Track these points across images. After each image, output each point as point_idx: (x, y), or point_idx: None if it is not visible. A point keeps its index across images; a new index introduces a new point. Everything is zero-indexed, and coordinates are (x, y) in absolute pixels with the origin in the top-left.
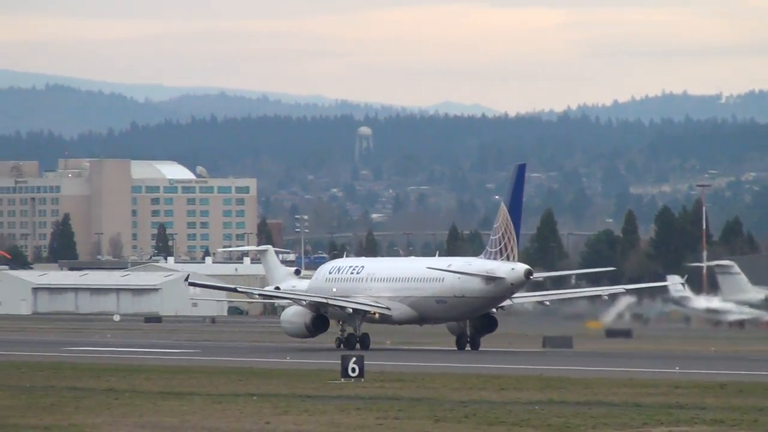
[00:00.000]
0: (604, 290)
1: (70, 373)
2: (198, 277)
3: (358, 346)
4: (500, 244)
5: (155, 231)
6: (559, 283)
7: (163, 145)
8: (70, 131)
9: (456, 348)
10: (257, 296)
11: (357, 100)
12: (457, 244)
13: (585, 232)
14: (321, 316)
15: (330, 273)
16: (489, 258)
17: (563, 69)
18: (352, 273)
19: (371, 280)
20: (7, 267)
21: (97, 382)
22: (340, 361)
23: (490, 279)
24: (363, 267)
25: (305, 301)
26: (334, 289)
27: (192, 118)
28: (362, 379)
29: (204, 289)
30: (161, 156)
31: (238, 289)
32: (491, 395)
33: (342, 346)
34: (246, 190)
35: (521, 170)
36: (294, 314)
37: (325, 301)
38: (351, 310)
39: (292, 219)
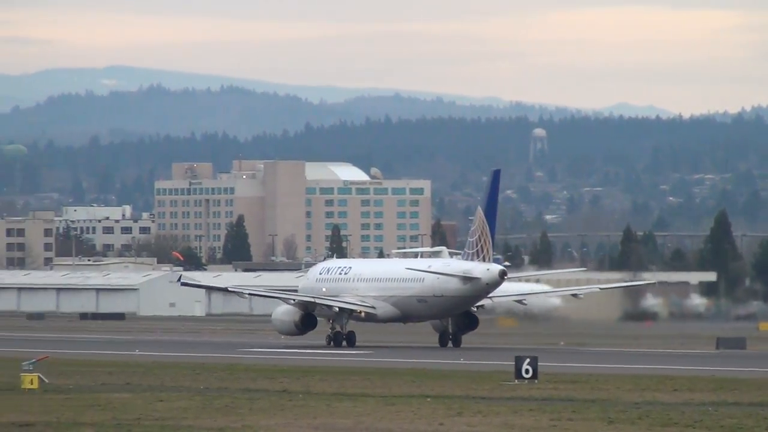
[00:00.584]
0: (581, 289)
1: (244, 375)
2: None
3: (344, 343)
4: (477, 246)
5: (329, 232)
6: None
7: (337, 146)
8: (244, 133)
9: (438, 345)
10: (247, 296)
11: (531, 102)
12: (631, 246)
13: (759, 233)
14: (309, 314)
15: (320, 274)
16: (466, 259)
17: (738, 71)
18: (340, 274)
19: (358, 280)
20: (181, 268)
21: (271, 384)
22: (513, 363)
23: (467, 279)
24: (350, 268)
25: (294, 300)
26: (324, 289)
27: (366, 120)
28: (536, 381)
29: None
30: (335, 157)
31: (229, 289)
32: (664, 396)
33: (332, 343)
34: (420, 191)
35: (496, 176)
36: (284, 313)
37: (312, 300)
38: (337, 309)
39: (466, 220)
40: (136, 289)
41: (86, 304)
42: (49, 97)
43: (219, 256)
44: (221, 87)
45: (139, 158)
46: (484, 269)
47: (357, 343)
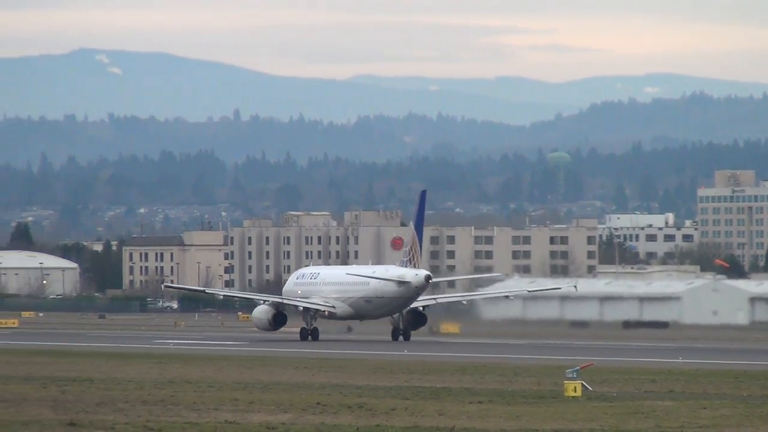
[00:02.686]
0: (512, 292)
1: None
2: None
3: (309, 338)
4: (409, 255)
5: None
6: None
7: None
8: None
9: (391, 338)
10: (222, 297)
11: None
12: None
13: None
14: (280, 313)
15: (297, 279)
16: (402, 266)
17: None
18: (311, 279)
19: (323, 284)
20: (724, 276)
21: None
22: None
23: (401, 283)
24: (319, 274)
25: (265, 301)
26: (299, 291)
27: None
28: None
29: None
30: None
31: (206, 291)
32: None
33: (310, 337)
34: None
35: (423, 196)
36: (260, 312)
37: (281, 301)
38: (302, 309)
39: None
40: (678, 298)
41: (629, 312)
42: (591, 104)
43: (762, 264)
44: (763, 95)
45: (681, 165)
46: (413, 274)
47: (320, 338)
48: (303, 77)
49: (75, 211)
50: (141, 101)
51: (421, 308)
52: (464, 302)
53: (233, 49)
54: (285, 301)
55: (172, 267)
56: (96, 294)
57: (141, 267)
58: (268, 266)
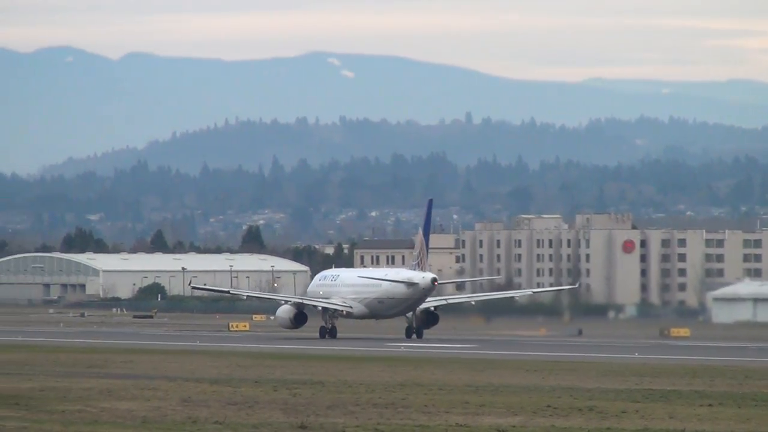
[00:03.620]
0: (518, 293)
1: None
2: None
3: (327, 336)
4: (417, 259)
5: None
6: None
7: None
8: None
9: (405, 336)
10: (246, 297)
11: None
12: None
13: None
14: (301, 312)
15: (320, 280)
16: (411, 269)
17: None
18: (331, 280)
19: (342, 285)
20: None
21: None
22: None
23: (410, 284)
24: (338, 276)
25: (286, 301)
26: (321, 292)
27: None
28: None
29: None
30: None
31: (231, 292)
32: None
33: (327, 335)
34: None
35: (430, 205)
36: (283, 311)
37: (301, 301)
38: (321, 308)
39: None
40: None
41: None
42: None
43: None
44: None
45: None
46: (420, 276)
47: (338, 336)
48: (534, 80)
49: (306, 214)
50: (372, 104)
51: (432, 308)
52: (473, 302)
53: (465, 52)
54: (305, 302)
55: None
56: None
57: None
58: (498, 269)
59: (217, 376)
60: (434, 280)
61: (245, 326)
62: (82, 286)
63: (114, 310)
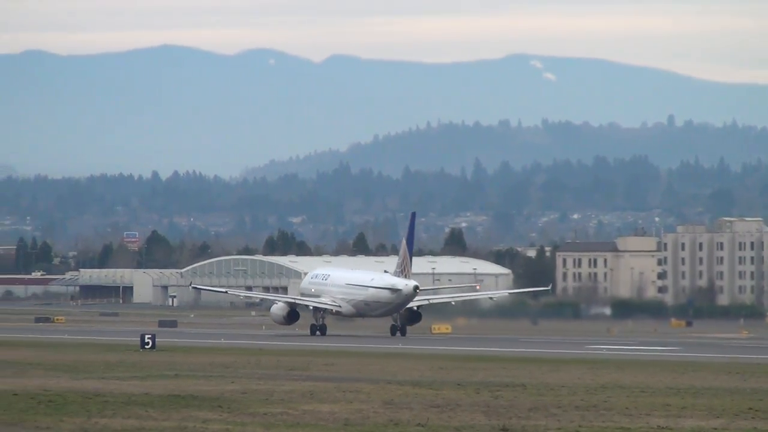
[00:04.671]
0: (495, 293)
1: None
2: None
3: (318, 333)
4: (401, 267)
5: None
6: None
7: None
8: None
9: (390, 334)
10: (243, 297)
11: None
12: None
13: None
14: (294, 310)
15: (311, 279)
16: (395, 275)
17: None
18: (323, 279)
19: (332, 285)
20: None
21: None
22: None
23: (393, 290)
24: (329, 275)
25: (280, 300)
26: (313, 290)
27: None
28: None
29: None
30: None
31: (228, 292)
32: None
33: (318, 332)
34: None
35: (413, 217)
36: (276, 309)
37: (293, 300)
38: (311, 307)
39: None
40: None
41: None
42: None
43: None
44: None
45: None
46: (404, 283)
47: (328, 333)
48: (735, 82)
49: (508, 216)
50: (575, 107)
51: (415, 307)
52: (453, 302)
53: (666, 55)
54: (298, 301)
55: (605, 273)
56: (529, 300)
57: (574, 273)
58: (701, 272)
59: (419, 379)
60: (416, 287)
61: (447, 329)
62: (284, 289)
63: None
